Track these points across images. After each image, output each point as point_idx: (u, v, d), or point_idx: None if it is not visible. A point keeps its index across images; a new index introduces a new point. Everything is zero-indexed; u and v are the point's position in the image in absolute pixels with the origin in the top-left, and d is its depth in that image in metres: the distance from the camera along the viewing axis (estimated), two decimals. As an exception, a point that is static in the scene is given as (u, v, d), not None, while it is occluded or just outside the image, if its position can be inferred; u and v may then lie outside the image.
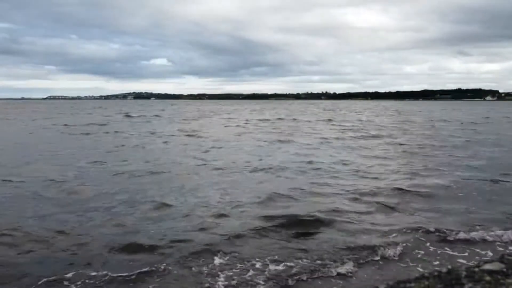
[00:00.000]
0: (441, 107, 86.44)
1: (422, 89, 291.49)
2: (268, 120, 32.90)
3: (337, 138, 17.75)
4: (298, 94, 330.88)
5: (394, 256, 4.89)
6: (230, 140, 16.89)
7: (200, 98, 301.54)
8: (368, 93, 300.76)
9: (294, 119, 32.74)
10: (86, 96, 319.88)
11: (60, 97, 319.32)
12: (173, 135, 19.38)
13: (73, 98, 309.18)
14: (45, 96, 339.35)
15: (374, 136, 18.86)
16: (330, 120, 31.66)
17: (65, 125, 25.45)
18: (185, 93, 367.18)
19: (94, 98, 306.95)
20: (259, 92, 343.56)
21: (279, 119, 33.70)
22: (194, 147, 14.46)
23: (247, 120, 32.60)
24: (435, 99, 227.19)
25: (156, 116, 39.32)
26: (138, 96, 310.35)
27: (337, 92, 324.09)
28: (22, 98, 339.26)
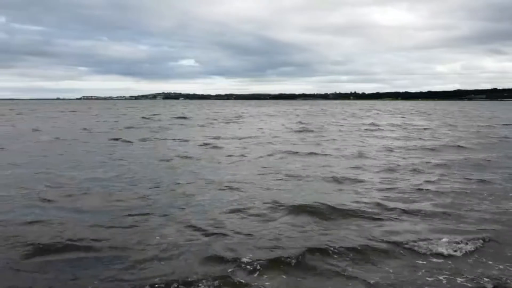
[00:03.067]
0: (486, 107, 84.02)
1: (455, 89, 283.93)
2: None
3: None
4: (326, 94, 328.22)
5: None
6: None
7: (228, 99, 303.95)
8: (399, 93, 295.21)
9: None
10: (117, 97, 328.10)
11: (93, 97, 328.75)
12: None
13: (105, 99, 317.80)
14: (79, 96, 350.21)
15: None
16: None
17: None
18: (213, 93, 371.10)
19: (125, 98, 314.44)
20: (286, 92, 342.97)
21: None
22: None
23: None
24: (469, 99, 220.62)
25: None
26: (167, 96, 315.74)
27: (366, 92, 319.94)
28: (58, 99, 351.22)
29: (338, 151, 14.57)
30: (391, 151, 14.69)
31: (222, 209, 7.04)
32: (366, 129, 25.39)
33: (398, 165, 11.34)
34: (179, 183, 8.98)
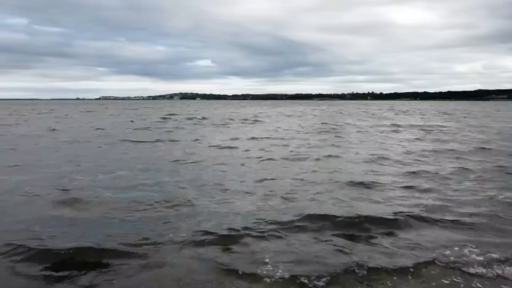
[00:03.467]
0: (508, 108, 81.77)
1: (475, 88, 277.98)
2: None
3: None
4: (343, 94, 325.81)
5: None
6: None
7: (244, 99, 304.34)
8: (417, 93, 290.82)
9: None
10: (135, 97, 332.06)
11: (111, 97, 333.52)
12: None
13: (123, 99, 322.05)
14: (97, 97, 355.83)
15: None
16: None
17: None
18: (229, 93, 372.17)
19: (143, 98, 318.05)
20: (303, 92, 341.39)
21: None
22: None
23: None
24: (490, 99, 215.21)
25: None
26: (184, 96, 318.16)
27: (384, 92, 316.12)
28: (77, 99, 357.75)
29: (360, 154, 14.09)
30: (416, 154, 14.12)
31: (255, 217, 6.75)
32: (388, 130, 24.77)
33: (426, 171, 10.83)
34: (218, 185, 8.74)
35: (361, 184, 9.06)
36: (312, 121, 34.36)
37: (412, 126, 28.53)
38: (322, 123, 32.21)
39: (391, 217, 6.63)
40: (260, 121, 34.73)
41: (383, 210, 7.02)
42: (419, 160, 12.69)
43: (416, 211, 6.99)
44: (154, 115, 45.65)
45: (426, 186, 8.99)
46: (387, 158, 12.92)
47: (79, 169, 10.72)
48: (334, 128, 26.10)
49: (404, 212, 6.91)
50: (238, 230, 5.98)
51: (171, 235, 5.81)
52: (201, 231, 5.93)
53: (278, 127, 26.85)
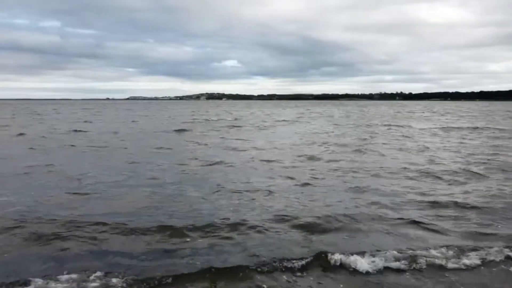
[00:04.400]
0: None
1: (511, 88, 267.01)
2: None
3: None
4: (370, 94, 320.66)
5: None
6: None
7: (270, 99, 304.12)
8: (448, 93, 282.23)
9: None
10: (163, 97, 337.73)
11: (140, 98, 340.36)
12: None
13: (151, 99, 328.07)
14: (127, 97, 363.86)
15: None
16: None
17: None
18: (256, 93, 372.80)
19: (170, 98, 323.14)
20: (330, 93, 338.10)
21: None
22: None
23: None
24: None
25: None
26: (211, 96, 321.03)
27: (413, 92, 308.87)
28: (107, 99, 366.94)
29: (406, 163, 13.32)
30: (465, 163, 12.91)
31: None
32: (429, 134, 23.63)
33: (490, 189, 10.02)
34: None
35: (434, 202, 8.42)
36: (348, 122, 33.38)
37: (454, 128, 27.14)
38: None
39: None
40: (307, 121, 34.12)
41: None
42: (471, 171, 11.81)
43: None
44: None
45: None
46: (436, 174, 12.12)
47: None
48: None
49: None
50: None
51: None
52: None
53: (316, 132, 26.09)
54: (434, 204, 8.04)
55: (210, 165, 12.47)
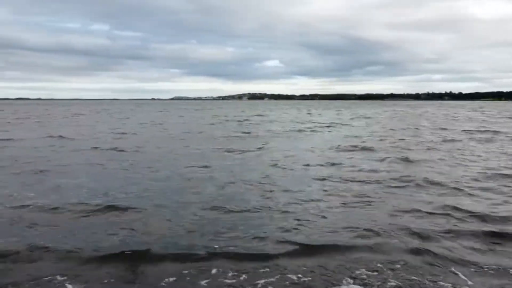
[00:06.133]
0: None
1: None
2: None
3: None
4: (417, 94, 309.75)
5: None
6: None
7: (312, 99, 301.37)
8: (502, 92, 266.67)
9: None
10: (206, 97, 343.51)
11: (184, 98, 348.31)
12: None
13: (194, 99, 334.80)
14: (171, 97, 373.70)
15: None
16: None
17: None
18: (297, 93, 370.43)
19: (213, 98, 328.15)
20: (374, 92, 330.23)
21: None
22: None
23: None
24: None
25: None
26: (252, 96, 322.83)
27: (463, 92, 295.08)
28: (152, 99, 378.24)
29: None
30: None
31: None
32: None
33: None
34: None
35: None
36: (400, 125, 31.91)
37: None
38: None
39: None
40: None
41: None
42: None
43: None
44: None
45: None
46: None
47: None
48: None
49: None
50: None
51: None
52: None
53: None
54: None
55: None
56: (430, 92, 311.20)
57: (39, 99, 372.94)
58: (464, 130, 25.77)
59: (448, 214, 7.24)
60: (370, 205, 7.86)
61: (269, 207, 7.60)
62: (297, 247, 5.70)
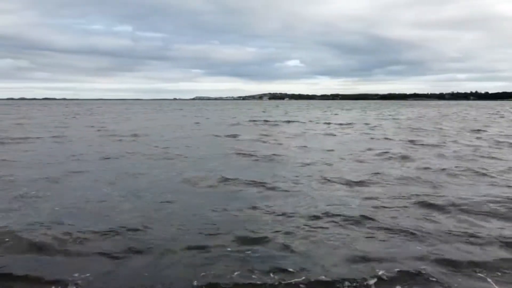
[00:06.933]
0: None
1: None
2: None
3: None
4: (441, 94, 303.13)
5: None
6: None
7: (333, 99, 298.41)
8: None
9: None
10: (226, 97, 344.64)
11: (205, 98, 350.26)
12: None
13: (215, 99, 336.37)
14: (192, 97, 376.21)
15: None
16: None
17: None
18: (318, 93, 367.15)
19: (234, 98, 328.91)
20: (396, 92, 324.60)
21: None
22: None
23: None
24: None
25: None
26: (273, 96, 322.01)
27: (490, 92, 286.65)
28: (175, 99, 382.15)
29: None
30: None
31: None
32: None
33: None
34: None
35: None
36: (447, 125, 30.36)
37: None
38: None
39: None
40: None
41: None
42: None
43: None
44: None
45: None
46: None
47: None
48: None
49: None
50: None
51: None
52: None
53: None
54: None
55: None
56: (455, 92, 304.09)
57: (64, 99, 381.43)
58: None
59: None
60: None
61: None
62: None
